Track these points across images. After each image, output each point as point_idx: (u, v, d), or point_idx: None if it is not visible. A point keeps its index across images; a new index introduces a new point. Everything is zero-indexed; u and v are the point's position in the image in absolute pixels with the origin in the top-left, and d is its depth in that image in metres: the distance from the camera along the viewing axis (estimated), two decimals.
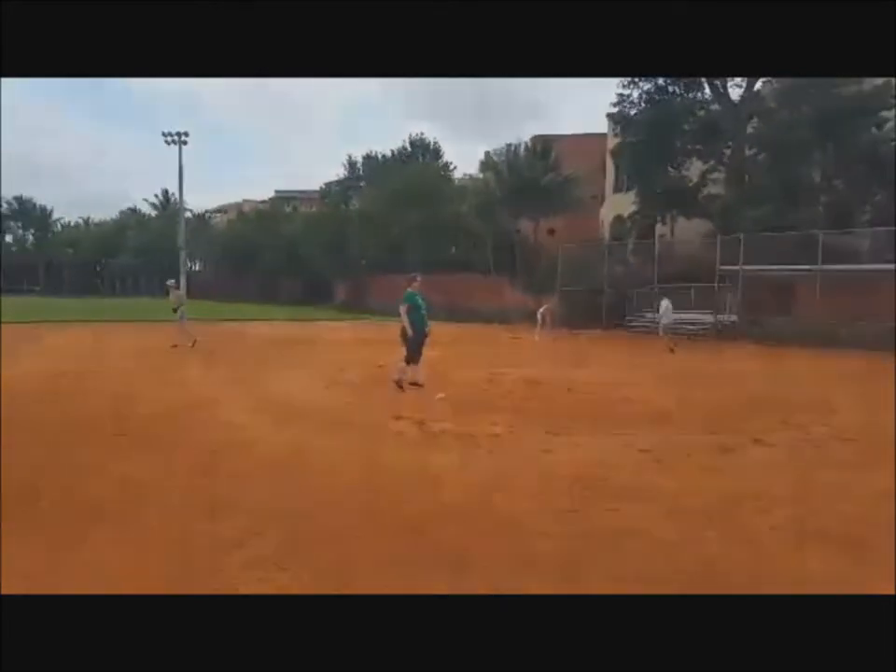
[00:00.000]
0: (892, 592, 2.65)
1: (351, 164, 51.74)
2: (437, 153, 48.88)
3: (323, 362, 12.31)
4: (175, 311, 14.85)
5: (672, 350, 16.59)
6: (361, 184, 50.43)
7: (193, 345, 14.08)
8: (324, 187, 55.08)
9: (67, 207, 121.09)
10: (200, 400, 7.92)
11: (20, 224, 79.87)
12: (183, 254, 61.67)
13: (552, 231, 36.14)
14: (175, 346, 14.17)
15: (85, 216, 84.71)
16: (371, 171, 49.34)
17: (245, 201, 70.85)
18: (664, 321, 18.09)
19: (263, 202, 67.16)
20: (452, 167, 47.43)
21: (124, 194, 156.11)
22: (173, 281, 15.96)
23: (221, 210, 76.63)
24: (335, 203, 49.52)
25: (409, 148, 48.85)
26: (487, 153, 37.93)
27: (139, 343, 16.35)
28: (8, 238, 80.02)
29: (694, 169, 25.47)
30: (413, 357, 8.79)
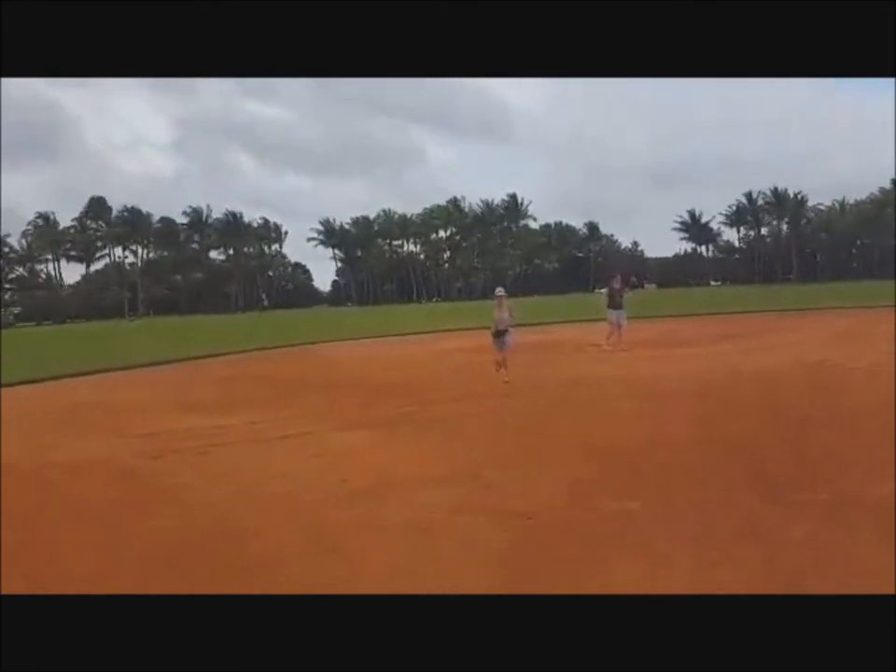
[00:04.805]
0: (892, 592, 2.60)
1: None
2: None
3: None
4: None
5: None
6: None
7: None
8: None
9: (822, 193, 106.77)
10: None
11: (774, 217, 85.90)
12: None
13: None
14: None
15: (840, 197, 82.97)
16: None
17: None
18: None
19: None
20: None
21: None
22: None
23: None
24: None
25: None
26: None
27: None
28: (764, 230, 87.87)
29: None
30: None
